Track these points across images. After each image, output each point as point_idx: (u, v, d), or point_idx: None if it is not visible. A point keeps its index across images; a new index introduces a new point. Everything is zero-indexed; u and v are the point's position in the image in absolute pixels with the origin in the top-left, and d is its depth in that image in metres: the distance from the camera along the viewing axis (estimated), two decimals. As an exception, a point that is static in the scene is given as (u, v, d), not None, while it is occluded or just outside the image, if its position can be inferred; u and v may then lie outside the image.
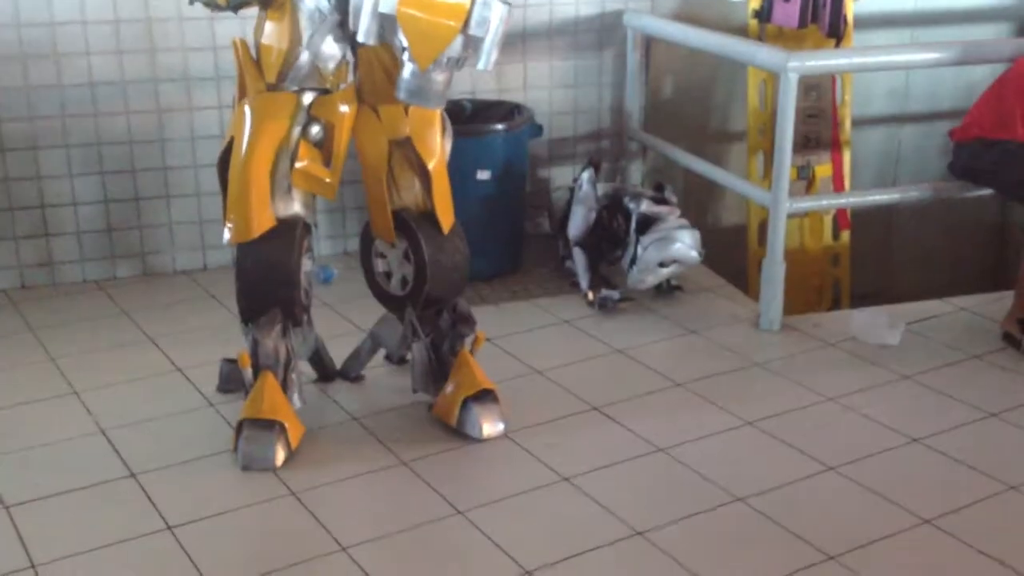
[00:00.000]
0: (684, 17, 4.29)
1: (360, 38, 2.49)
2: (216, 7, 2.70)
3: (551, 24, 4.22)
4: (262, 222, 2.69)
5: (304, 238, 2.79)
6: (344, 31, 2.63)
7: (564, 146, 4.37)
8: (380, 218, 2.91)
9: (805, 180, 4.39)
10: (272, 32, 2.67)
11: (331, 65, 2.69)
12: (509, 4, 2.47)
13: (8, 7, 3.56)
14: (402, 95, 2.55)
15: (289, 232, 2.74)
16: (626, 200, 3.74)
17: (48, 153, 3.71)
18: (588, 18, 4.27)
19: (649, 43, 4.32)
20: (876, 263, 4.90)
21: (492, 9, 2.45)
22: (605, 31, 4.29)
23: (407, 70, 2.50)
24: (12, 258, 3.76)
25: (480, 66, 2.50)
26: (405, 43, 2.46)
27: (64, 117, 3.69)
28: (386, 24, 2.46)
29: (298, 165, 2.73)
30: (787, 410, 3.00)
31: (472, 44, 2.47)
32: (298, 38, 2.65)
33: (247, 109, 2.69)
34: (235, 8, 2.68)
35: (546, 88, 4.27)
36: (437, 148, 2.82)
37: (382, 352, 3.15)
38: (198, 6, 2.79)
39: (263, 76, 2.69)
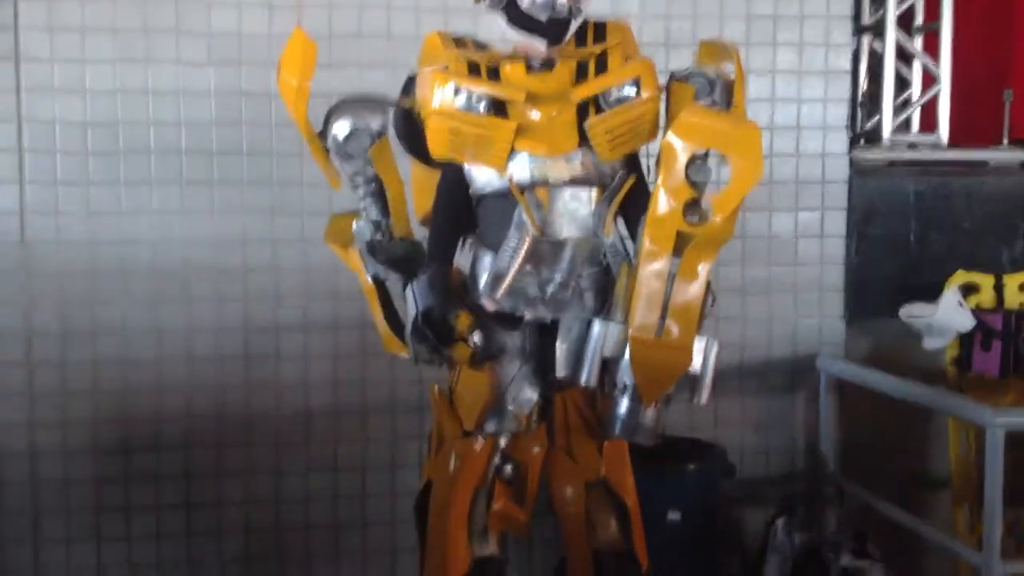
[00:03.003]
0: (878, 361, 4.27)
1: (582, 382, 2.58)
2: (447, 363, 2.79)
3: (742, 364, 4.28)
4: (460, 568, 2.74)
5: (498, 578, 2.82)
6: (536, 376, 2.75)
7: (756, 487, 4.29)
8: (580, 561, 2.89)
9: (1016, 538, 4.12)
10: (469, 381, 2.78)
11: (526, 409, 2.78)
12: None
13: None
14: (618, 432, 2.60)
15: (485, 574, 2.77)
16: (825, 550, 3.61)
17: (260, 479, 3.91)
18: (780, 359, 4.31)
19: (843, 386, 4.30)
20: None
21: (709, 346, 2.56)
22: (798, 372, 4.31)
23: (623, 407, 2.56)
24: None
25: (700, 401, 2.58)
26: (628, 381, 2.54)
27: (278, 446, 3.92)
28: (607, 366, 2.57)
29: (495, 507, 2.80)
30: None
31: (689, 381, 2.56)
32: (495, 387, 2.76)
33: (447, 456, 2.79)
34: (478, 366, 2.74)
35: (737, 427, 4.27)
36: (632, 486, 2.85)
37: None
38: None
39: (461, 423, 2.80)
